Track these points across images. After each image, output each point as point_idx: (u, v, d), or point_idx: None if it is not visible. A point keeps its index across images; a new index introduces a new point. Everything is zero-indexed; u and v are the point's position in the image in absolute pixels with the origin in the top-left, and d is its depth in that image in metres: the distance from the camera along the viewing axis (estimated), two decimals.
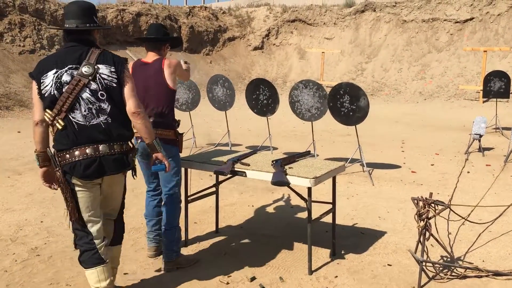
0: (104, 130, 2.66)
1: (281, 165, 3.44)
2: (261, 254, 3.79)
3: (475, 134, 7.73)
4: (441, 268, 3.42)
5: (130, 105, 2.71)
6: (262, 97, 7.34)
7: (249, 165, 3.53)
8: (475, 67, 16.65)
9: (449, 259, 3.59)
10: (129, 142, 2.79)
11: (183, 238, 3.78)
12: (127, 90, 2.72)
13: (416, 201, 3.22)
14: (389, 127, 10.57)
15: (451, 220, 3.54)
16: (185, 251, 3.77)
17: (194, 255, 3.73)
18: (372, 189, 5.78)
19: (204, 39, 19.82)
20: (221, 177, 4.18)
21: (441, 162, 7.27)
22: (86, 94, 2.64)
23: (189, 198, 3.93)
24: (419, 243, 3.26)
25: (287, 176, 3.27)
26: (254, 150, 4.06)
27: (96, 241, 2.73)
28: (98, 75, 2.67)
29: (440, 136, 9.54)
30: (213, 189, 4.20)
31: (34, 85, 2.69)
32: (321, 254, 3.79)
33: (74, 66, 2.66)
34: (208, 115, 11.71)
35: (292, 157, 3.69)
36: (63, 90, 2.62)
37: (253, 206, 5.10)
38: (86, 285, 3.24)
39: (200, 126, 10.05)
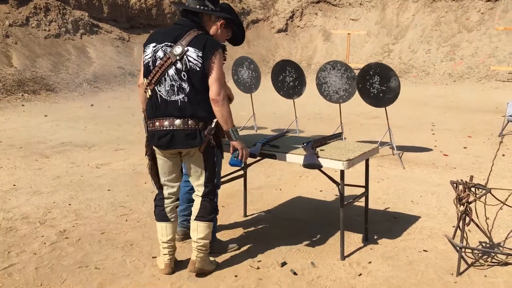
0: (179, 108, 2.88)
1: (312, 147, 3.32)
2: (290, 238, 3.70)
3: (509, 116, 7.44)
4: (480, 255, 3.28)
5: (211, 92, 2.87)
6: (289, 79, 7.18)
7: (279, 147, 3.42)
8: (507, 47, 16.07)
9: (488, 245, 3.44)
10: (206, 121, 2.92)
11: None
12: (211, 78, 2.87)
13: (455, 184, 3.07)
14: (418, 110, 10.28)
15: (488, 205, 3.37)
16: None
17: (230, 241, 3.63)
18: (403, 173, 5.61)
19: None
20: (249, 160, 4.07)
21: (474, 145, 7.02)
22: (172, 72, 2.87)
23: None
24: (458, 229, 3.11)
25: (319, 159, 3.15)
26: (283, 132, 3.94)
27: (166, 201, 3.12)
28: (185, 56, 2.85)
29: (472, 118, 9.24)
30: (241, 172, 4.10)
31: (142, 51, 3.02)
32: (353, 239, 3.68)
33: (169, 44, 2.89)
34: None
35: (323, 139, 3.56)
36: (156, 64, 2.89)
37: (280, 189, 5.00)
38: (115, 269, 3.21)
39: None
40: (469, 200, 2.99)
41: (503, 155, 6.31)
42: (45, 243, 3.59)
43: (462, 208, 2.98)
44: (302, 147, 3.32)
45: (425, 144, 7.08)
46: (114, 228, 3.90)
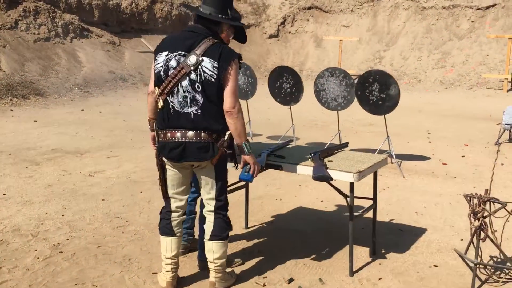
0: (192, 120, 2.75)
1: (320, 158, 3.20)
2: (295, 252, 3.56)
3: (506, 124, 7.40)
4: (492, 270, 3.17)
5: (226, 104, 2.74)
6: (286, 86, 7.07)
7: (284, 157, 3.29)
8: (498, 55, 16.17)
9: (499, 260, 3.34)
10: (219, 133, 2.79)
11: None
12: (226, 89, 2.73)
13: (469, 198, 2.96)
14: (413, 117, 10.24)
15: (497, 217, 3.27)
16: None
17: (234, 255, 3.48)
18: (404, 182, 5.52)
19: None
20: None
21: (472, 153, 6.97)
22: (185, 83, 2.73)
23: None
24: (471, 244, 3.01)
25: (328, 170, 3.03)
26: (287, 141, 3.81)
27: (173, 214, 2.97)
28: (200, 67, 2.71)
29: (466, 126, 9.21)
30: (243, 182, 3.96)
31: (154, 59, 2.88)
32: (360, 252, 3.55)
33: (183, 53, 2.75)
34: None
35: (330, 149, 3.44)
36: (168, 74, 2.75)
37: (281, 199, 4.87)
38: (113, 286, 3.05)
39: None
40: (484, 215, 2.88)
41: (502, 164, 6.26)
42: (38, 258, 3.41)
43: (477, 223, 2.87)
44: (310, 158, 3.20)
45: (422, 152, 7.01)
46: (111, 241, 3.73)
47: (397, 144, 7.42)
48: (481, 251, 3.02)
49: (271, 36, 20.94)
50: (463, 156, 6.77)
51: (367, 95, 6.14)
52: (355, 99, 6.36)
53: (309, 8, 21.36)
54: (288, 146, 3.67)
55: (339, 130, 6.92)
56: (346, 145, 3.66)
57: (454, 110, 11.47)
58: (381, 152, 6.56)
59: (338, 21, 20.62)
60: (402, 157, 6.66)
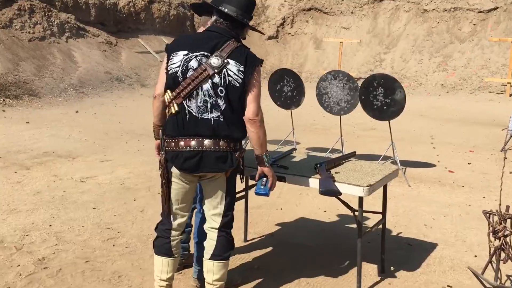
0: (212, 127, 2.51)
1: (326, 169, 2.96)
2: (297, 268, 3.33)
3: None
4: None
5: (249, 110, 2.54)
6: (287, 89, 6.83)
7: (288, 168, 3.06)
8: (500, 59, 15.97)
9: None
10: (236, 142, 2.59)
11: None
12: (250, 95, 2.53)
13: (488, 215, 2.73)
14: (415, 121, 10.00)
15: None
16: None
17: (231, 272, 3.21)
18: (410, 191, 5.28)
19: None
20: (251, 182, 3.70)
21: (478, 160, 6.74)
22: (207, 86, 2.51)
23: None
24: (490, 264, 2.77)
25: (335, 183, 2.79)
26: (290, 150, 3.58)
27: (173, 233, 2.70)
28: (225, 69, 2.50)
29: (470, 131, 8.98)
30: (242, 192, 3.71)
31: (165, 58, 2.62)
32: (367, 270, 3.31)
33: (205, 53, 2.53)
34: None
35: (337, 159, 3.21)
36: (187, 75, 2.51)
37: (281, 209, 4.63)
38: None
39: None
40: (505, 234, 2.65)
41: (510, 172, 6.03)
42: (21, 274, 3.16)
43: (497, 242, 2.63)
44: (316, 169, 2.96)
45: (427, 159, 6.78)
46: (100, 255, 3.48)
47: (400, 150, 7.17)
48: (500, 273, 2.79)
49: (270, 38, 20.71)
50: (469, 163, 6.54)
51: (371, 99, 5.90)
52: (359, 104, 6.13)
53: (309, 9, 21.14)
54: (291, 155, 3.43)
55: (341, 135, 6.69)
56: (353, 154, 3.43)
57: (457, 114, 11.26)
58: (385, 158, 6.33)
59: (338, 22, 20.40)
60: (406, 163, 6.43)
